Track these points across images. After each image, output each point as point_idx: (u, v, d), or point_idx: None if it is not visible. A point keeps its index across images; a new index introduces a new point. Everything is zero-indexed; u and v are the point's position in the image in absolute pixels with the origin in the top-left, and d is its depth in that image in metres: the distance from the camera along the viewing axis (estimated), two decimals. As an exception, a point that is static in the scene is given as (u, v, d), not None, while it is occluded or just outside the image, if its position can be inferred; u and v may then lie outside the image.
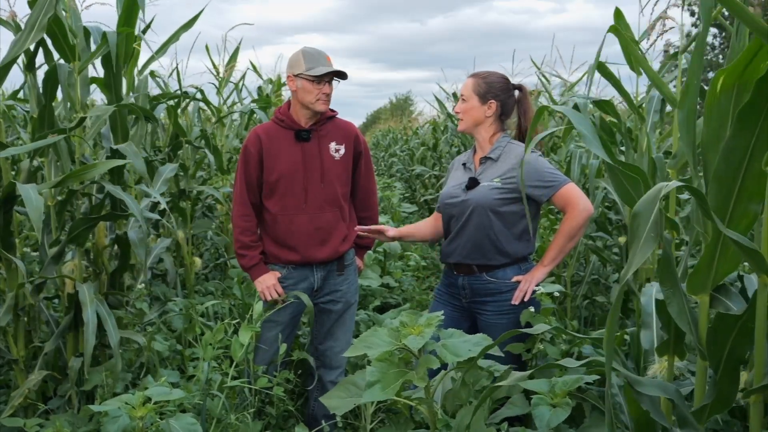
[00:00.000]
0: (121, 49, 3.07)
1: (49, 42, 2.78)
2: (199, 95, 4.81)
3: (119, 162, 2.73)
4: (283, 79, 6.14)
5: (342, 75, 2.81)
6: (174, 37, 3.53)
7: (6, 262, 2.71)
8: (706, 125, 1.39)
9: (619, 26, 2.51)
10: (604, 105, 3.31)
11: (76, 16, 2.87)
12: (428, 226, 2.84)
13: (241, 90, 6.00)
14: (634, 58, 2.22)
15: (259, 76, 6.71)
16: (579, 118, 1.54)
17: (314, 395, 2.95)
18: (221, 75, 5.34)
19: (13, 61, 2.52)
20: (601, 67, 2.83)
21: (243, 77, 6.10)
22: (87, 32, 2.91)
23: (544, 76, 5.09)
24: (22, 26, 2.57)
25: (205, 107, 5.35)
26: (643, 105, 3.09)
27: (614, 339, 1.25)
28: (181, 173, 4.44)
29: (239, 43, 5.37)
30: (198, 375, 2.50)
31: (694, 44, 2.46)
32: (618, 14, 2.60)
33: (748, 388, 1.46)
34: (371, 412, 2.30)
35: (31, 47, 2.65)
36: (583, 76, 4.91)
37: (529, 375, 1.64)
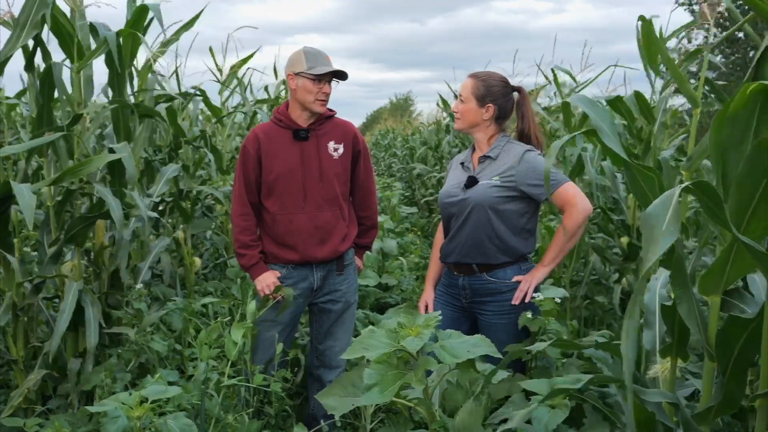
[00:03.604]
0: (126, 50, 3.07)
1: (54, 41, 2.78)
2: (199, 96, 4.81)
3: (113, 157, 2.73)
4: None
5: (342, 75, 2.81)
6: (174, 37, 3.54)
7: (5, 261, 2.70)
8: (730, 126, 1.37)
9: (648, 37, 2.48)
10: (617, 104, 3.30)
11: (80, 14, 2.87)
12: (440, 243, 2.78)
13: (242, 89, 5.98)
14: (662, 56, 2.19)
15: (276, 76, 6.70)
16: (598, 111, 1.49)
17: (314, 395, 2.94)
18: (223, 76, 5.34)
19: (7, 60, 2.51)
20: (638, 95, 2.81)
21: (247, 79, 6.07)
22: (94, 30, 2.91)
23: (554, 74, 5.05)
24: None
25: (206, 108, 5.35)
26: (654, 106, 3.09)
27: (635, 349, 1.23)
28: (181, 173, 4.44)
29: (261, 50, 5.37)
30: (196, 374, 2.50)
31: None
32: (648, 24, 2.58)
33: (755, 393, 1.45)
34: (371, 412, 2.30)
35: (30, 45, 2.64)
36: (597, 76, 4.89)
37: (531, 364, 1.63)
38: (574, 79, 4.78)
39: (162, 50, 3.66)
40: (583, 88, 4.67)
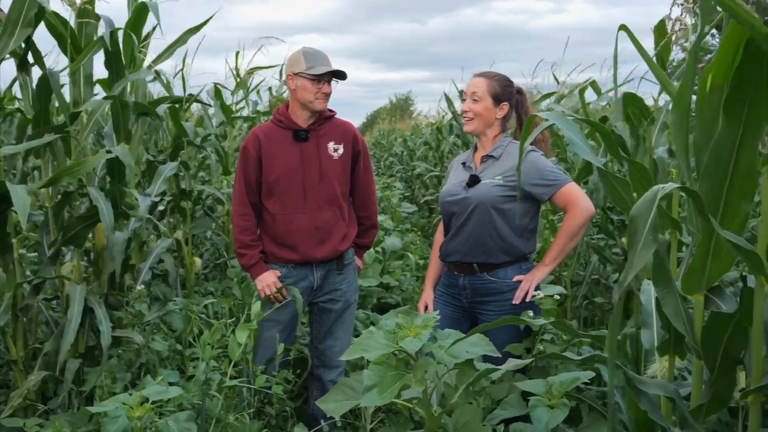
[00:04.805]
0: (127, 51, 3.07)
1: (47, 41, 2.78)
2: (207, 97, 4.84)
3: (108, 155, 2.73)
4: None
5: (341, 75, 2.81)
6: (180, 41, 3.54)
7: (3, 262, 2.70)
8: (698, 125, 1.39)
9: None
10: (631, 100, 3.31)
11: (80, 13, 2.86)
12: (440, 243, 2.79)
13: (249, 91, 6.03)
14: (644, 58, 2.21)
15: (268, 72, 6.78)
16: (567, 124, 1.54)
17: (314, 395, 2.95)
18: (240, 78, 5.39)
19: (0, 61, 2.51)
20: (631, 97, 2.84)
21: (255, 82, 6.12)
22: (91, 31, 2.90)
23: (555, 79, 5.06)
24: None
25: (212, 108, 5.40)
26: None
27: (617, 342, 1.25)
28: (182, 173, 4.44)
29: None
30: (197, 375, 2.50)
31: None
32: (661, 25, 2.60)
33: (747, 389, 1.45)
34: (371, 412, 2.30)
35: (22, 45, 2.62)
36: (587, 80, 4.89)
37: (530, 364, 1.64)
38: (556, 79, 4.80)
39: (169, 52, 3.66)
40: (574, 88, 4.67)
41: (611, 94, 4.25)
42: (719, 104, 1.31)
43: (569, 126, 1.51)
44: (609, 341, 1.25)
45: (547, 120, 1.50)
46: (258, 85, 5.97)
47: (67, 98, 2.89)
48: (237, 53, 5.43)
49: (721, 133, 1.29)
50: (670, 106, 2.94)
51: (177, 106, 4.14)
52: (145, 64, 3.49)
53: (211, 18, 3.60)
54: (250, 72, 5.45)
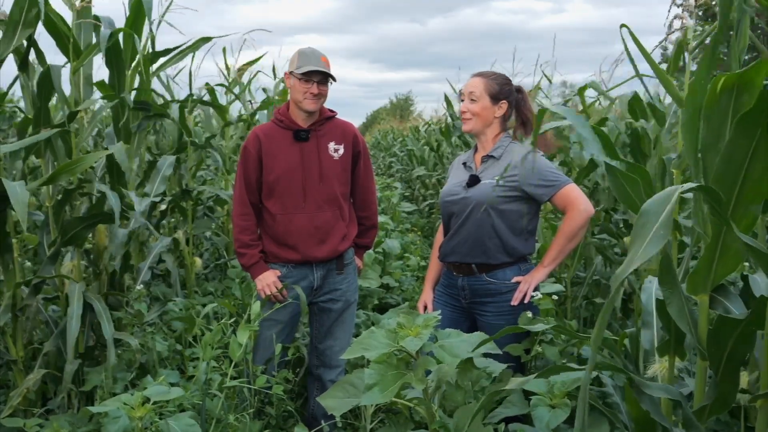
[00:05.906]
0: (127, 49, 3.07)
1: (47, 41, 2.78)
2: (207, 97, 4.84)
3: (107, 152, 2.73)
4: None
5: (328, 75, 2.79)
6: (192, 47, 3.56)
7: (3, 262, 2.70)
8: (706, 125, 1.38)
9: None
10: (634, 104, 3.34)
11: (79, 13, 2.86)
12: (440, 243, 2.79)
13: (244, 90, 6.00)
14: (645, 58, 2.21)
15: (275, 76, 6.71)
16: (578, 120, 1.53)
17: (314, 395, 2.95)
18: (232, 76, 5.36)
19: (1, 62, 2.50)
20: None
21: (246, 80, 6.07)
22: (97, 27, 2.90)
23: (583, 89, 4.98)
24: None
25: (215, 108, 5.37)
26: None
27: (603, 332, 1.23)
28: (181, 171, 4.44)
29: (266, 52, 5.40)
30: (198, 375, 2.50)
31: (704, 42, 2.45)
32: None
33: (752, 390, 1.45)
34: (371, 412, 2.30)
35: (23, 45, 2.62)
36: (622, 83, 4.83)
37: (530, 363, 1.63)
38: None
39: (180, 56, 3.68)
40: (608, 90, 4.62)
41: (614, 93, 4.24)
42: (729, 105, 1.30)
43: (580, 122, 1.50)
44: (596, 330, 1.22)
45: (554, 118, 1.49)
46: (249, 82, 5.92)
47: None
48: (224, 49, 5.38)
49: (733, 138, 1.28)
50: (674, 107, 2.95)
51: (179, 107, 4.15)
52: (154, 66, 3.51)
53: (224, 36, 3.65)
54: (244, 68, 5.40)
